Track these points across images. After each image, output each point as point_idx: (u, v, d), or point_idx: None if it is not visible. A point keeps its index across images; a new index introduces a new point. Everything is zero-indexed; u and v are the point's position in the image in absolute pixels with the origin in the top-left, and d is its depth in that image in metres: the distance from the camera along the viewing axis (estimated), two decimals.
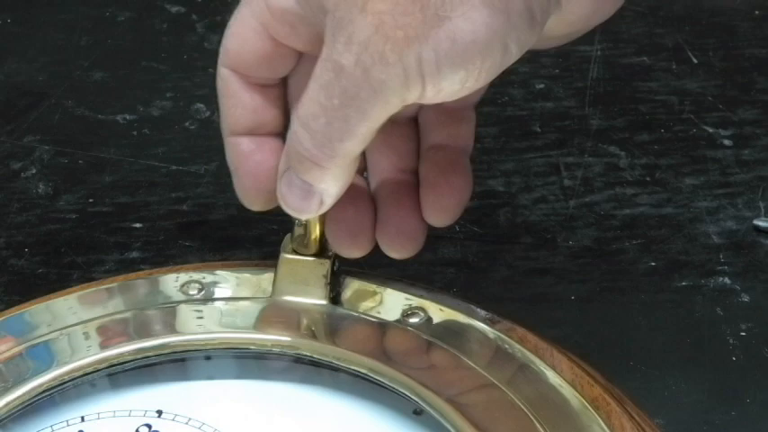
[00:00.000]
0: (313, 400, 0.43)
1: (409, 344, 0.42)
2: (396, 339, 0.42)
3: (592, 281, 0.51)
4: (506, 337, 0.42)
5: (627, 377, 0.46)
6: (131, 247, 0.53)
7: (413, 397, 0.40)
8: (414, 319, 0.43)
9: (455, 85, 0.36)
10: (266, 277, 0.45)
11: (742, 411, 0.45)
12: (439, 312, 0.43)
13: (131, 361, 0.42)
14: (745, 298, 0.50)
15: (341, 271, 0.45)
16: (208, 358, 0.44)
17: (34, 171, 0.58)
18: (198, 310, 0.44)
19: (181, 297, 0.45)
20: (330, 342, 0.42)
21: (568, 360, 0.42)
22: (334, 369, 0.42)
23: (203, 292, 0.45)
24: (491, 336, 0.42)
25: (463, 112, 0.44)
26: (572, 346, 0.44)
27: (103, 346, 0.42)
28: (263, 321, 0.43)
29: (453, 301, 0.44)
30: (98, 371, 0.42)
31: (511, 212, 0.55)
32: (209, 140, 0.60)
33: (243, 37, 0.41)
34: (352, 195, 0.42)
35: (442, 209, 0.43)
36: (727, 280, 0.51)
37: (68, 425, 0.42)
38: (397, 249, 0.43)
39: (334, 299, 0.44)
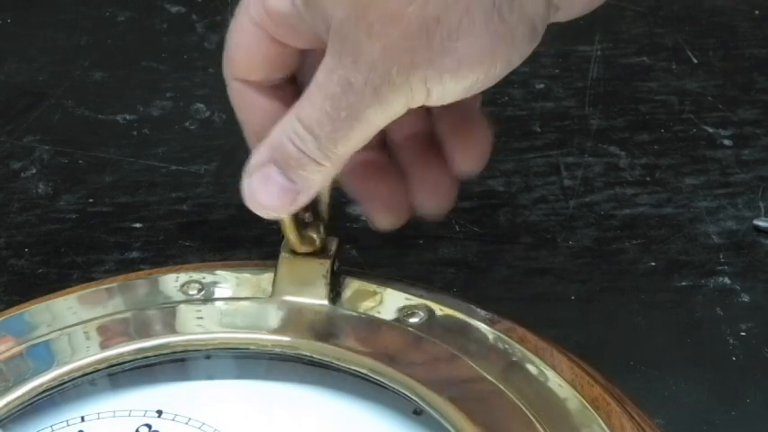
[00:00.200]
0: (313, 400, 0.43)
1: (409, 344, 0.42)
2: (396, 339, 0.42)
3: (592, 281, 0.51)
4: (506, 337, 0.42)
5: (627, 377, 0.46)
6: (131, 247, 0.53)
7: (413, 397, 0.40)
8: (414, 319, 0.43)
9: (457, 94, 0.37)
10: (266, 277, 0.45)
11: (742, 411, 0.45)
12: (439, 312, 0.43)
13: (131, 361, 0.42)
14: (745, 298, 0.50)
15: (341, 271, 0.45)
16: (208, 358, 0.44)
17: (34, 171, 0.58)
18: (198, 311, 0.44)
19: (181, 297, 0.45)
20: (330, 342, 0.42)
21: (568, 360, 0.42)
22: (335, 369, 0.42)
23: (203, 292, 0.45)
24: (491, 336, 0.42)
25: None
26: (572, 346, 0.44)
27: (103, 346, 0.42)
28: (263, 321, 0.43)
29: (453, 301, 0.44)
30: (98, 371, 0.42)
31: (511, 212, 0.55)
32: (209, 140, 0.60)
33: (246, 45, 0.41)
34: (378, 170, 0.43)
35: (471, 157, 0.43)
36: (727, 280, 0.51)
37: (68, 425, 0.42)
38: (434, 205, 0.44)
39: (335, 299, 0.44)
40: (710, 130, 0.59)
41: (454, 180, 0.44)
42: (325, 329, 0.43)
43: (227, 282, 0.45)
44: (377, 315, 0.43)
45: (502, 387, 0.40)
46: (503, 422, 0.38)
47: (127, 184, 0.57)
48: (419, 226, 0.54)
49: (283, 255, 0.44)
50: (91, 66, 0.66)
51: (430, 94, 0.37)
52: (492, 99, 0.61)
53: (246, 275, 0.45)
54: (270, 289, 0.44)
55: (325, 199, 0.43)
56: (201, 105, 0.62)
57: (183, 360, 0.43)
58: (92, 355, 0.42)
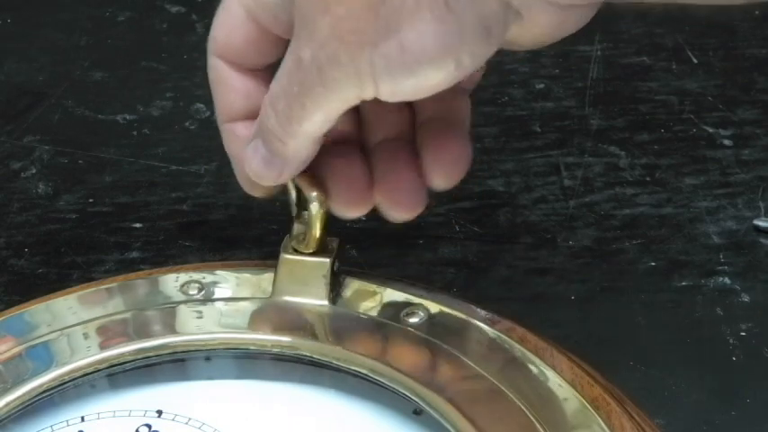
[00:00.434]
0: (313, 400, 0.43)
1: (409, 344, 0.42)
2: (396, 339, 0.42)
3: (592, 281, 0.51)
4: (506, 337, 0.42)
5: (627, 377, 0.46)
6: (131, 247, 0.53)
7: (413, 397, 0.40)
8: (413, 319, 0.43)
9: (407, 90, 0.36)
10: (266, 277, 0.45)
11: (742, 411, 0.45)
12: (439, 312, 0.43)
13: (131, 361, 0.42)
14: (745, 298, 0.50)
15: (341, 271, 0.45)
16: (208, 359, 0.44)
17: (34, 171, 0.58)
18: (198, 311, 0.44)
19: (181, 297, 0.45)
20: (330, 342, 0.42)
21: (568, 360, 0.41)
22: (334, 369, 0.42)
23: (203, 292, 0.45)
24: (491, 336, 0.42)
25: (456, 94, 0.44)
26: (572, 346, 0.44)
27: (103, 347, 0.42)
28: (262, 322, 0.43)
29: (453, 301, 0.44)
30: (98, 371, 0.42)
31: (511, 212, 0.55)
32: (209, 140, 0.60)
33: (230, 25, 0.42)
34: (348, 158, 0.43)
35: (444, 172, 0.42)
36: (727, 280, 0.51)
37: (68, 425, 0.42)
38: (396, 207, 0.42)
39: (335, 299, 0.44)
40: (710, 130, 0.59)
41: (423, 190, 0.43)
42: (325, 329, 0.43)
43: (227, 282, 0.45)
44: (377, 315, 0.43)
45: (502, 387, 0.40)
46: (502, 422, 0.38)
47: (127, 184, 0.57)
48: (419, 226, 0.54)
49: (283, 255, 0.44)
50: (91, 66, 0.66)
51: (378, 84, 0.36)
52: (492, 99, 0.61)
53: (246, 275, 0.45)
54: (270, 289, 0.44)
55: (315, 230, 0.43)
56: (201, 105, 0.62)
57: (182, 360, 0.43)
58: (92, 355, 0.42)
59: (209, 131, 0.60)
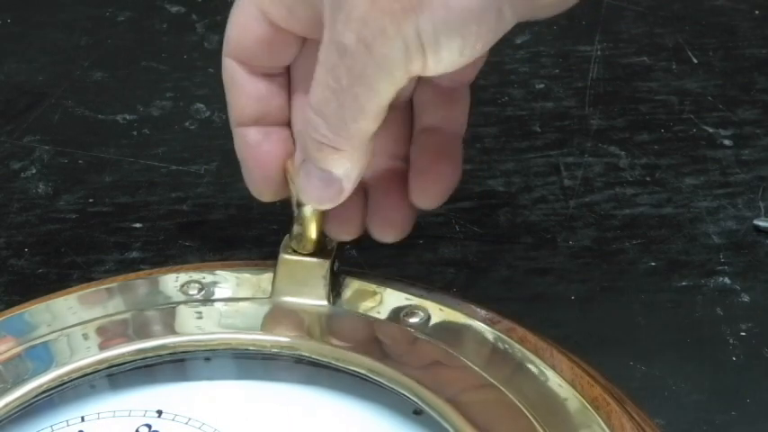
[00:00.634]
0: (313, 401, 0.43)
1: (409, 344, 0.42)
2: (395, 339, 0.42)
3: (592, 281, 0.51)
4: (506, 337, 0.42)
5: (627, 377, 0.46)
6: (131, 247, 0.53)
7: (412, 397, 0.39)
8: (413, 319, 0.43)
9: (454, 53, 0.36)
10: (266, 277, 0.45)
11: (742, 411, 0.45)
12: (439, 312, 0.43)
13: (131, 362, 0.42)
14: (745, 298, 0.50)
15: (341, 271, 0.45)
16: (207, 359, 0.44)
17: (34, 171, 0.58)
18: (197, 311, 0.44)
19: (181, 297, 0.45)
20: (329, 342, 0.42)
21: (568, 360, 0.41)
22: (334, 369, 0.42)
23: (203, 293, 0.45)
24: (491, 336, 0.42)
25: (458, 92, 0.44)
26: (572, 346, 0.44)
27: (103, 347, 0.42)
28: (262, 322, 0.43)
29: (453, 301, 0.44)
30: (97, 371, 0.42)
31: (511, 212, 0.55)
32: (209, 140, 0.60)
33: (243, 25, 0.41)
34: None
35: (429, 195, 0.43)
36: (727, 280, 0.51)
37: (68, 425, 0.42)
38: (384, 236, 0.43)
39: (334, 299, 0.44)
40: (710, 130, 0.59)
41: (411, 214, 0.43)
42: (325, 330, 0.43)
43: (227, 282, 0.45)
44: (376, 315, 0.43)
45: (501, 387, 0.40)
46: (502, 422, 0.38)
47: (127, 184, 0.57)
48: (419, 226, 0.54)
49: (282, 256, 0.44)
50: (91, 66, 0.66)
51: (425, 52, 0.35)
52: (492, 99, 0.61)
53: (246, 275, 0.45)
54: (270, 289, 0.44)
55: (310, 231, 0.43)
56: (201, 105, 0.62)
57: (182, 360, 0.43)
58: (91, 355, 0.42)
59: (210, 131, 0.61)
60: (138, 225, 0.55)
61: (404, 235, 0.43)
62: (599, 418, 0.39)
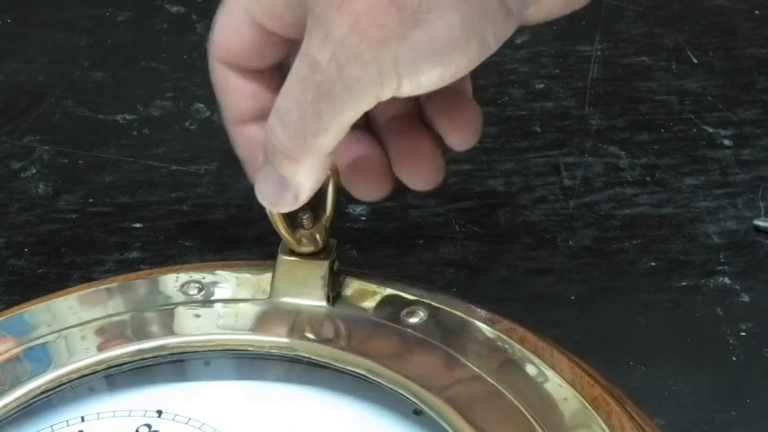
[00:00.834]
0: (313, 401, 0.43)
1: (408, 344, 0.42)
2: (395, 340, 0.42)
3: (592, 281, 0.51)
4: (506, 337, 0.42)
5: (627, 377, 0.46)
6: (131, 247, 0.53)
7: (411, 398, 0.39)
8: (413, 319, 0.43)
9: (433, 79, 0.36)
10: (266, 277, 0.45)
11: (742, 411, 0.45)
12: (439, 312, 0.43)
13: (130, 362, 0.42)
14: (745, 298, 0.50)
15: (341, 271, 0.45)
16: (206, 361, 0.44)
17: (34, 171, 0.58)
18: (196, 313, 0.44)
19: (181, 297, 0.45)
20: (329, 343, 0.42)
21: (568, 360, 0.41)
22: (333, 370, 0.41)
23: (203, 293, 0.45)
24: (491, 336, 0.42)
25: None
26: (572, 346, 0.44)
27: (101, 348, 0.42)
28: (261, 323, 0.43)
29: (453, 301, 0.44)
30: (96, 372, 0.42)
31: (511, 212, 0.55)
32: (209, 140, 0.60)
33: (232, 29, 0.41)
34: (360, 143, 0.42)
35: (464, 132, 0.42)
36: (727, 280, 0.50)
37: (68, 425, 0.42)
38: (417, 176, 0.42)
39: (334, 299, 0.44)
40: (710, 130, 0.59)
41: (441, 157, 0.42)
42: (324, 331, 0.43)
43: (227, 282, 0.45)
44: (376, 315, 0.43)
45: (501, 388, 0.40)
46: (502, 422, 0.38)
47: (127, 184, 0.57)
48: (419, 226, 0.54)
49: (281, 256, 0.44)
50: (91, 66, 0.66)
51: (401, 79, 0.35)
52: (492, 99, 0.61)
53: (246, 275, 0.45)
54: (269, 290, 0.44)
55: (330, 202, 0.43)
56: (201, 105, 0.62)
57: (182, 361, 0.43)
58: (91, 356, 0.42)
59: (210, 131, 0.60)
60: (138, 225, 0.55)
61: (437, 175, 0.42)
62: (599, 418, 0.39)
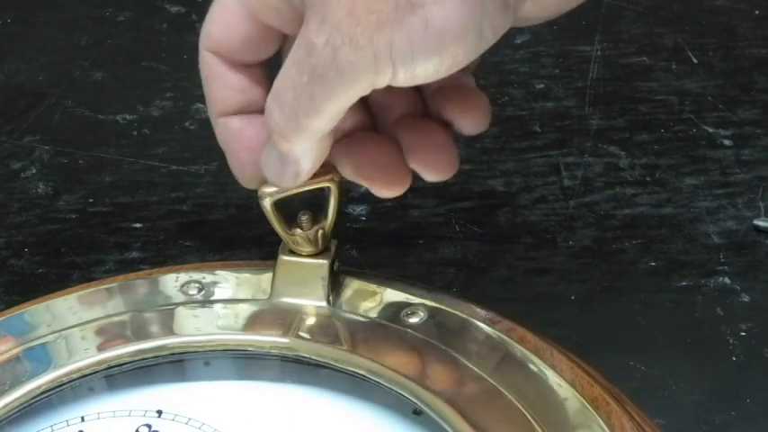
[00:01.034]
0: (313, 401, 0.43)
1: (409, 344, 0.42)
2: (395, 340, 0.42)
3: (592, 281, 0.51)
4: (506, 337, 0.42)
5: (627, 377, 0.46)
6: (131, 247, 0.53)
7: (412, 397, 0.39)
8: (413, 320, 0.43)
9: (428, 70, 0.36)
10: (266, 277, 0.45)
11: (742, 411, 0.45)
12: (439, 312, 0.43)
13: (130, 363, 0.42)
14: (745, 298, 0.50)
15: (341, 271, 0.45)
16: (206, 361, 0.44)
17: (34, 171, 0.58)
18: (196, 313, 0.44)
19: (181, 297, 0.45)
20: (329, 343, 0.42)
21: (568, 360, 0.41)
22: (333, 370, 0.41)
23: (203, 293, 0.45)
24: (491, 336, 0.42)
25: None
26: (572, 346, 0.44)
27: (101, 348, 0.42)
28: (261, 323, 0.43)
29: (453, 301, 0.44)
30: (96, 373, 0.42)
31: (511, 212, 0.55)
32: (209, 140, 0.59)
33: (227, 21, 0.41)
34: (375, 142, 0.42)
35: (475, 117, 0.42)
36: (727, 280, 0.51)
37: (68, 425, 0.42)
38: (432, 167, 0.42)
39: (334, 299, 0.44)
40: (710, 130, 0.59)
41: (454, 147, 0.42)
42: (324, 331, 0.43)
43: (227, 282, 0.45)
44: (376, 315, 0.43)
45: (501, 388, 0.40)
46: (501, 422, 0.38)
47: (127, 184, 0.57)
48: (419, 226, 0.54)
49: (281, 257, 0.44)
50: (91, 66, 0.66)
51: (396, 67, 0.35)
52: (492, 99, 0.61)
53: (246, 275, 0.45)
54: (269, 289, 0.44)
55: (332, 210, 0.43)
56: (201, 105, 0.62)
57: (182, 361, 0.43)
58: (91, 356, 0.42)
59: (210, 131, 0.60)
60: (138, 225, 0.55)
61: (452, 164, 0.42)
62: (599, 418, 0.39)
